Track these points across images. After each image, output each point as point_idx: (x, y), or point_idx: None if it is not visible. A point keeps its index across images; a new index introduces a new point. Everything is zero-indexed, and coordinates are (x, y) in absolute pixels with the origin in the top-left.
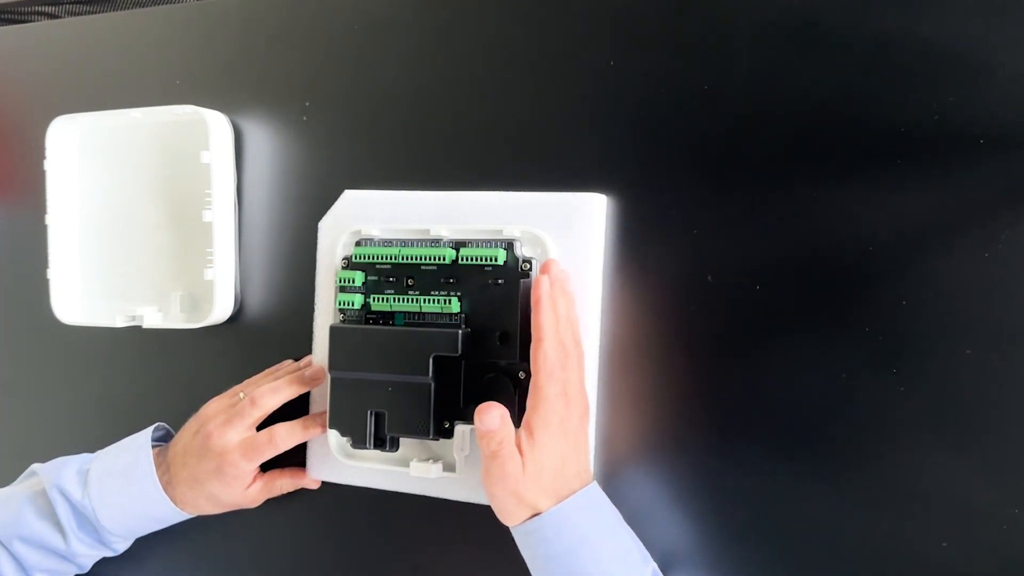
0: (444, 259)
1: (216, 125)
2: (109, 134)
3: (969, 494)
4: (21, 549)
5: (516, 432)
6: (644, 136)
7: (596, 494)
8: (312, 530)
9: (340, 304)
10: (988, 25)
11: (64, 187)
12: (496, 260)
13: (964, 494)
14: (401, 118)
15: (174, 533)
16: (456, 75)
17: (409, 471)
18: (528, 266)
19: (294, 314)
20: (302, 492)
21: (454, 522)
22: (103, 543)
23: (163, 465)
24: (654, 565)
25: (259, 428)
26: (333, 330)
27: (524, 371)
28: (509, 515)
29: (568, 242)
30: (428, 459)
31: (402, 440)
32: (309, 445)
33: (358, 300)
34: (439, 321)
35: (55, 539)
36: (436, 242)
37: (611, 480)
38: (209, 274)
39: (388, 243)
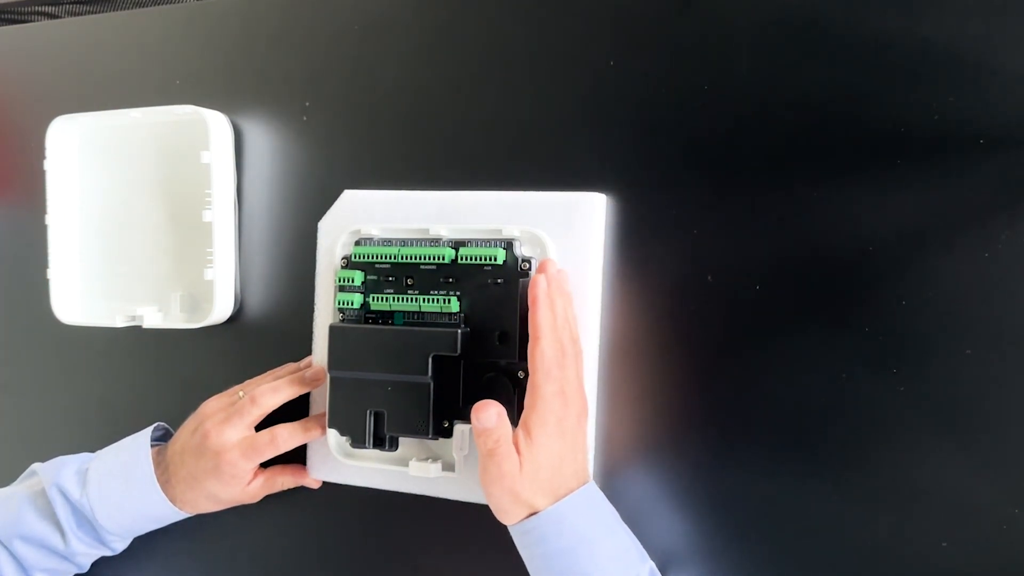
0: (443, 259)
1: (216, 125)
2: (109, 134)
3: (969, 494)
4: (21, 549)
5: (514, 431)
6: (644, 136)
7: (594, 493)
8: (312, 530)
9: (339, 303)
10: (988, 25)
11: (64, 187)
12: (495, 260)
13: (964, 494)
14: (401, 118)
15: (174, 533)
16: (456, 75)
17: (408, 471)
18: (527, 266)
19: (294, 314)
20: (302, 492)
21: (453, 522)
22: (102, 542)
23: (162, 464)
24: (651, 564)
25: (257, 428)
26: (332, 329)
27: (523, 371)
28: (506, 514)
29: (568, 242)
30: (427, 459)
31: (401, 440)
32: (309, 445)
33: (357, 299)
34: (438, 321)
35: (55, 539)
36: (435, 242)
37: (611, 479)
38: (209, 274)
39: (388, 242)
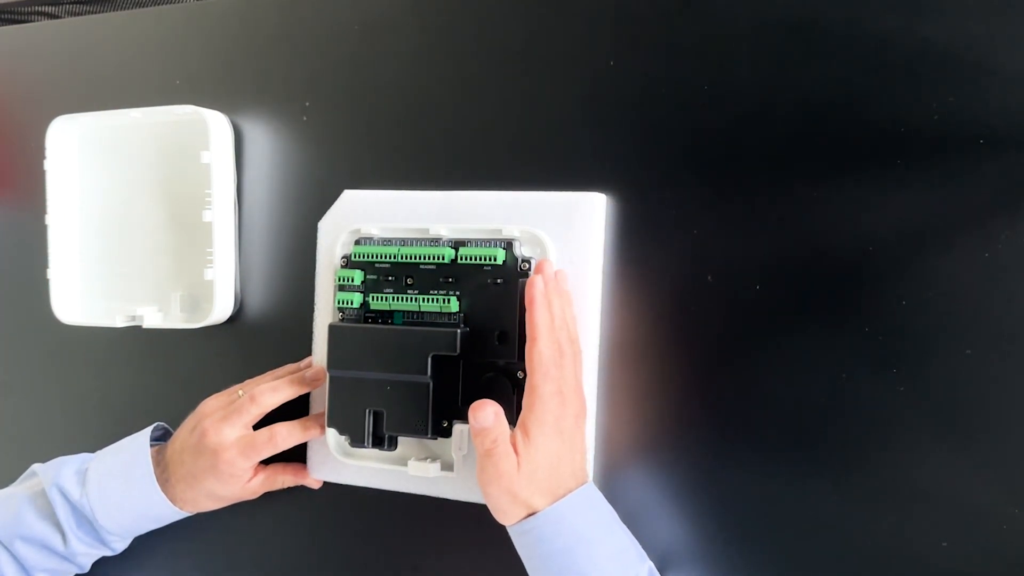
0: (443, 258)
1: (216, 125)
2: (109, 134)
3: (969, 494)
4: (22, 549)
5: (512, 431)
6: (644, 136)
7: (592, 493)
8: (311, 529)
9: (339, 303)
10: (988, 25)
11: (64, 187)
12: (495, 260)
13: (964, 494)
14: (401, 118)
15: (174, 532)
16: (456, 75)
17: (407, 470)
18: (527, 266)
19: (294, 314)
20: (302, 492)
21: (452, 521)
22: (102, 542)
23: (161, 464)
24: (650, 564)
25: (256, 427)
26: (332, 329)
27: (523, 371)
28: (505, 514)
29: (567, 242)
30: (426, 458)
31: (400, 439)
32: (309, 445)
33: (357, 299)
34: (438, 320)
35: (55, 539)
36: (435, 241)
37: (610, 479)
38: (209, 274)
39: (387, 242)
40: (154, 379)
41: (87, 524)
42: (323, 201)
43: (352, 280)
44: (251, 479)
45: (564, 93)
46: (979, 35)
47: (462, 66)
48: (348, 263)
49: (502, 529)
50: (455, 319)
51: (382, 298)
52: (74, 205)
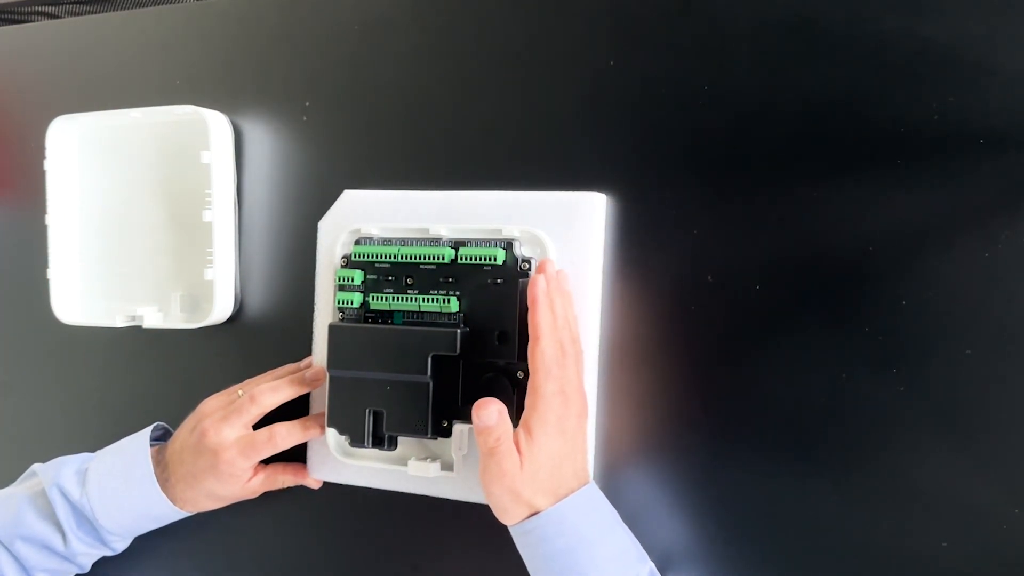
0: (443, 258)
1: (216, 125)
2: (109, 134)
3: (969, 494)
4: (22, 549)
5: (514, 430)
6: (644, 136)
7: (594, 493)
8: (311, 529)
9: (339, 303)
10: (988, 25)
11: (64, 187)
12: (495, 260)
13: (964, 494)
14: (401, 118)
15: (174, 532)
16: (456, 75)
17: (407, 470)
18: (527, 266)
19: (294, 314)
20: (302, 492)
21: (452, 521)
22: (102, 542)
23: (161, 463)
24: (651, 564)
25: (256, 427)
26: (332, 329)
27: (523, 371)
28: (507, 513)
29: (567, 242)
30: (426, 458)
31: (400, 439)
32: (309, 445)
33: (357, 299)
34: (438, 320)
35: (55, 539)
36: (435, 241)
37: (611, 479)
38: (209, 274)
39: (387, 242)
40: (154, 379)
41: (87, 524)
42: (323, 201)
43: (352, 280)
44: (251, 479)
45: (564, 93)
46: (979, 35)
47: (462, 66)
48: (348, 263)
49: (502, 529)
50: (455, 319)
51: (382, 298)
52: (74, 205)
